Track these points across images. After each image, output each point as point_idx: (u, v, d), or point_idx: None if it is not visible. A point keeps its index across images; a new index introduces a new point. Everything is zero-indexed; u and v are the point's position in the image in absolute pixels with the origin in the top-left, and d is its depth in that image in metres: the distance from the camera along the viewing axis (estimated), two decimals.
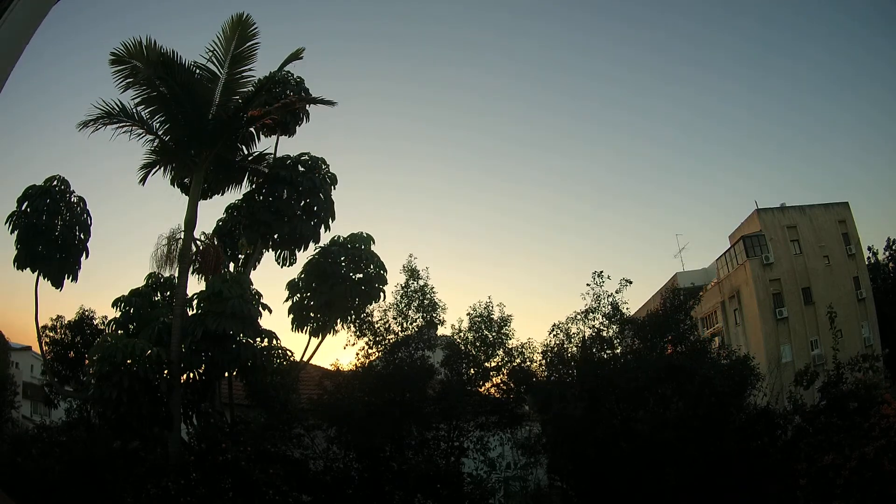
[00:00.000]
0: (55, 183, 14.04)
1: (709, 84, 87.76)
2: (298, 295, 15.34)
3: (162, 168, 14.23)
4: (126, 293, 13.82)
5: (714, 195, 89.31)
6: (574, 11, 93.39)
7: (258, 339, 12.61)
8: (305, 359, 15.11)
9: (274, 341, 12.97)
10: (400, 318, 15.09)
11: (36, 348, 22.98)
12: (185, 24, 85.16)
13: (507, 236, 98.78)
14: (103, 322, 15.97)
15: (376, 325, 14.99)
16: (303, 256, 15.35)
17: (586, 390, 13.77)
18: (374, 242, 15.36)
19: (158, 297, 14.44)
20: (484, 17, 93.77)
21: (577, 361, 14.78)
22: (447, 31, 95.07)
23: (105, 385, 10.96)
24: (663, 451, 12.25)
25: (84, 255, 14.36)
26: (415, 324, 15.02)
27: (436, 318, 15.17)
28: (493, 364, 15.19)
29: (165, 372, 11.84)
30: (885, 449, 9.97)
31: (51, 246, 13.70)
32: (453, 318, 18.56)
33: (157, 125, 13.29)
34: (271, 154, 15.10)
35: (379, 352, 14.83)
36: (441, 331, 15.52)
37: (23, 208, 13.66)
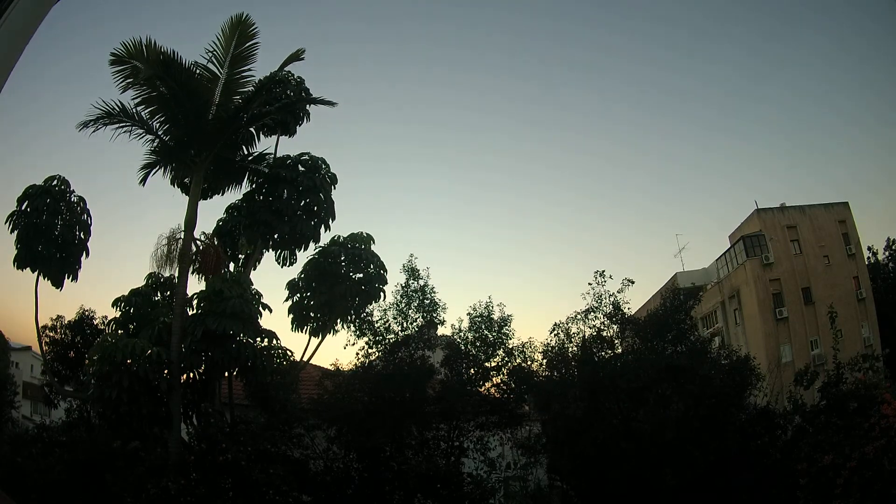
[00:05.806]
0: (55, 183, 14.02)
1: (709, 84, 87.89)
2: (298, 295, 15.35)
3: (162, 168, 14.23)
4: (126, 293, 13.80)
5: (714, 195, 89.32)
6: (574, 9, 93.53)
7: (258, 339, 12.60)
8: (305, 359, 15.11)
9: (274, 341, 12.95)
10: (400, 318, 15.13)
11: (36, 348, 23.03)
12: (186, 23, 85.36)
13: (507, 236, 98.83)
14: (103, 322, 15.98)
15: (376, 325, 15.02)
16: (303, 256, 15.37)
17: (586, 390, 13.78)
18: (373, 242, 15.38)
19: (158, 297, 14.40)
20: (483, 18, 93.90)
21: (578, 361, 14.80)
22: (446, 32, 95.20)
23: (105, 385, 10.98)
24: (663, 451, 12.27)
25: (84, 254, 14.34)
26: (415, 324, 15.04)
27: (436, 317, 15.22)
28: (493, 364, 15.21)
29: (165, 372, 11.85)
30: (885, 449, 9.94)
31: (51, 246, 13.67)
32: (453, 318, 18.63)
33: (157, 125, 13.33)
34: (271, 154, 15.11)
35: (379, 352, 14.86)
36: (441, 331, 15.58)
37: (23, 208, 13.64)
